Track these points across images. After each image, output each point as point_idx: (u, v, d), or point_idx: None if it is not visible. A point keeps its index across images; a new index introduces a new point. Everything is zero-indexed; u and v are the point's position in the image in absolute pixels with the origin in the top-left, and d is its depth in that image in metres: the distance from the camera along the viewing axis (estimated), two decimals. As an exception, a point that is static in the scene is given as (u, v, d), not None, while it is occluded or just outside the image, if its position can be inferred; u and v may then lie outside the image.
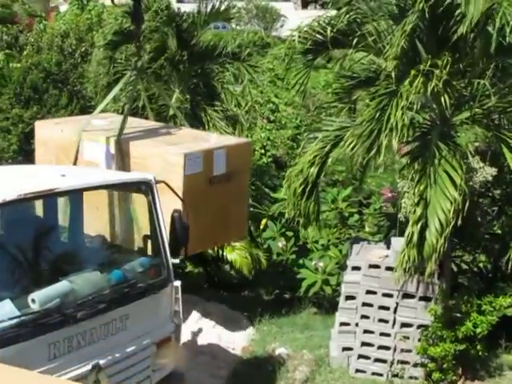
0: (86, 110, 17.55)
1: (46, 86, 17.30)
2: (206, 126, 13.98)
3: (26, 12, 21.04)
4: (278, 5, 56.11)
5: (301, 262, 14.29)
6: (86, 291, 7.01)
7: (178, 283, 8.15)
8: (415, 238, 9.32)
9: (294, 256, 14.80)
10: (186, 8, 15.69)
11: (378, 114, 9.36)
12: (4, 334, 6.33)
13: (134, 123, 10.83)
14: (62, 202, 8.22)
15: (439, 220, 9.23)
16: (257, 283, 15.49)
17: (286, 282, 14.93)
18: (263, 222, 15.35)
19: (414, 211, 9.38)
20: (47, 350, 6.65)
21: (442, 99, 9.37)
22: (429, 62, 9.23)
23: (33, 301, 6.59)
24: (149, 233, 8.16)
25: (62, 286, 6.86)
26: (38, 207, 8.01)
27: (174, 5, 16.32)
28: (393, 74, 9.21)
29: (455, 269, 12.12)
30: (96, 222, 8.89)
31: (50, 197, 7.26)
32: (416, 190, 9.41)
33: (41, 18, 20.88)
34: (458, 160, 9.39)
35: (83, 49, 18.31)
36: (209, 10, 14.51)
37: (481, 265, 12.54)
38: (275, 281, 15.33)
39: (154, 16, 14.20)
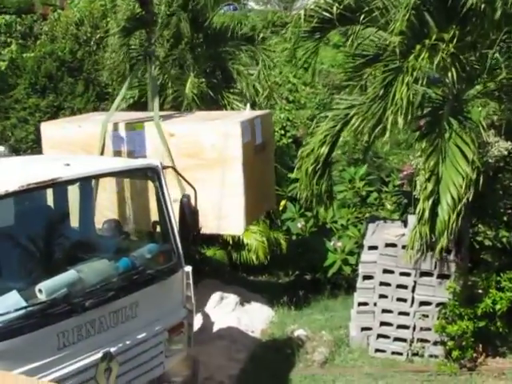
0: (102, 96, 17.60)
1: (60, 75, 17.33)
2: (224, 110, 13.94)
3: (40, 1, 20.93)
4: (299, -16, 55.73)
5: (320, 242, 14.20)
6: (94, 280, 6.96)
7: (188, 268, 8.10)
8: (426, 214, 9.18)
9: (312, 236, 14.73)
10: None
11: (382, 91, 9.22)
12: (11, 324, 6.31)
13: (142, 114, 10.84)
14: (70, 190, 8.19)
15: (451, 195, 9.08)
16: (277, 265, 15.43)
17: (306, 263, 14.83)
18: (282, 203, 15.28)
19: (425, 187, 9.23)
20: (56, 340, 6.62)
21: (449, 74, 9.21)
22: (434, 36, 9.06)
23: (40, 291, 6.55)
24: (158, 219, 8.12)
25: (69, 275, 6.82)
26: (46, 196, 7.98)
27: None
28: (397, 50, 9.07)
29: (477, 245, 11.99)
30: (106, 209, 8.91)
31: (52, 187, 7.20)
32: (427, 166, 9.25)
33: (55, 7, 20.79)
34: (470, 135, 9.22)
35: (98, 36, 18.26)
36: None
37: (504, 240, 12.35)
38: (295, 262, 15.23)
39: (170, 1, 14.12)
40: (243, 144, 9.71)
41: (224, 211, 9.76)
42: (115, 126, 10.18)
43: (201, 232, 10.63)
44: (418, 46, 9.12)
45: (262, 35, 14.70)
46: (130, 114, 11.72)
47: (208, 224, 9.90)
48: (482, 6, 9.21)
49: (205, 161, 9.74)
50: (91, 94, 17.42)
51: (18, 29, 18.91)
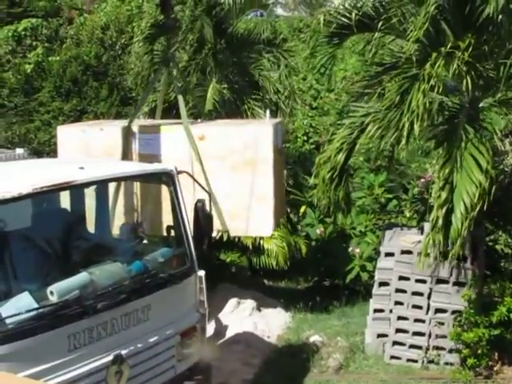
0: (126, 101, 17.75)
1: (85, 79, 17.53)
2: (244, 115, 14.03)
3: (66, 5, 21.21)
4: (326, -11, 55.65)
5: (338, 248, 14.21)
6: (106, 282, 7.03)
7: (202, 273, 8.14)
8: (440, 222, 9.11)
9: (332, 242, 14.75)
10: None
11: (398, 99, 9.24)
12: (22, 326, 6.37)
13: (165, 121, 10.93)
14: (86, 193, 8.27)
15: (464, 204, 9.01)
16: (297, 270, 15.46)
17: (325, 268, 14.84)
18: (302, 208, 15.31)
19: (439, 195, 9.20)
20: (67, 342, 6.67)
21: (464, 82, 9.19)
22: (449, 45, 9.06)
23: (51, 293, 6.62)
24: (172, 223, 8.18)
25: (80, 277, 6.89)
26: (62, 199, 8.07)
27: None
28: (413, 58, 9.10)
29: (495, 252, 11.97)
30: (122, 212, 8.98)
31: (66, 189, 7.28)
32: (441, 174, 9.20)
33: (81, 11, 21.04)
34: (485, 143, 9.15)
35: (123, 40, 18.44)
36: (244, -2, 14.48)
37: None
38: (315, 268, 15.25)
39: (194, 6, 14.20)
40: (274, 146, 9.80)
41: (253, 213, 9.99)
42: (140, 128, 10.21)
43: (230, 235, 10.81)
44: (434, 54, 9.10)
45: (282, 36, 14.78)
46: (153, 120, 11.80)
47: (237, 226, 10.19)
48: (500, 16, 9.20)
49: (235, 163, 9.94)
50: (115, 98, 17.61)
51: (43, 32, 19.11)
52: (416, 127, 8.92)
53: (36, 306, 6.52)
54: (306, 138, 19.61)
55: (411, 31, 9.16)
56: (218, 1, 14.56)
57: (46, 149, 16.63)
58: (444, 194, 9.11)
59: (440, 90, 9.21)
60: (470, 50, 8.99)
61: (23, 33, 18.97)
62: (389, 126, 9.28)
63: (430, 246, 9.33)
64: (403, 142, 9.15)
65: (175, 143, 10.01)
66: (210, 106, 13.48)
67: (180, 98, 11.18)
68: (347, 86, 20.54)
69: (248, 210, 9.93)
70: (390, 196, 14.73)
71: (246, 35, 14.64)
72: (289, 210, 14.71)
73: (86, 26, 19.37)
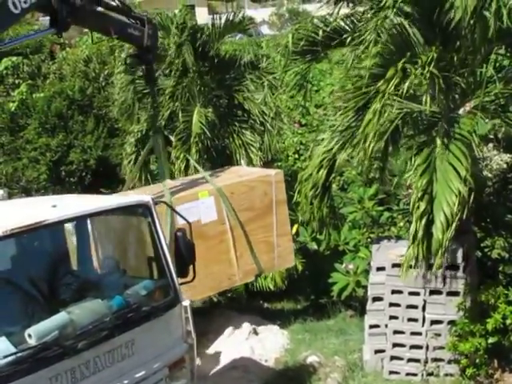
0: (113, 132, 17.66)
1: (71, 113, 17.46)
2: (231, 138, 13.97)
3: (48, 40, 21.18)
4: (311, 7, 55.68)
5: (332, 265, 14.06)
6: (86, 321, 6.92)
7: (186, 303, 8.06)
8: (420, 234, 8.91)
9: (327, 259, 14.59)
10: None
11: (352, 116, 9.27)
12: (1, 372, 6.24)
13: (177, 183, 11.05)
14: (64, 230, 8.15)
15: (445, 214, 8.81)
16: (295, 290, 15.32)
17: (321, 286, 14.70)
18: (295, 227, 15.16)
19: (418, 206, 8.98)
20: (49, 384, 6.58)
21: (424, 98, 9.08)
22: (402, 61, 8.92)
23: (29, 336, 6.52)
24: (152, 255, 8.07)
25: (59, 317, 6.79)
26: (40, 238, 7.93)
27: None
28: (367, 74, 9.09)
29: (488, 259, 11.83)
30: (102, 247, 8.84)
31: (37, 230, 7.13)
32: (419, 185, 8.99)
33: (63, 45, 21.01)
34: (464, 151, 8.97)
35: (106, 72, 18.41)
36: (223, 22, 14.43)
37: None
38: (312, 286, 15.13)
39: (180, 33, 14.13)
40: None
41: (278, 250, 10.68)
42: (177, 200, 10.21)
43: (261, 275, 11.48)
44: (390, 71, 9.01)
45: (265, 59, 14.73)
46: (177, 182, 11.65)
47: (268, 265, 10.77)
48: (471, 22, 9.07)
49: (260, 210, 10.54)
50: (102, 130, 17.54)
51: (25, 70, 19.09)
52: (367, 145, 8.90)
53: (14, 350, 6.42)
54: (297, 155, 19.51)
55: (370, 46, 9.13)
56: (199, 26, 14.60)
57: (34, 186, 16.55)
58: (423, 205, 8.89)
59: (394, 109, 9.07)
60: (434, 63, 8.82)
61: (5, 71, 18.95)
62: (348, 142, 9.30)
63: (411, 259, 9.17)
64: (356, 159, 9.19)
65: (211, 205, 10.29)
66: (198, 130, 13.42)
67: (200, 168, 11.73)
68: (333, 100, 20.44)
69: (276, 247, 10.62)
70: (381, 208, 14.57)
71: (228, 57, 14.61)
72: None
73: (69, 60, 19.34)
